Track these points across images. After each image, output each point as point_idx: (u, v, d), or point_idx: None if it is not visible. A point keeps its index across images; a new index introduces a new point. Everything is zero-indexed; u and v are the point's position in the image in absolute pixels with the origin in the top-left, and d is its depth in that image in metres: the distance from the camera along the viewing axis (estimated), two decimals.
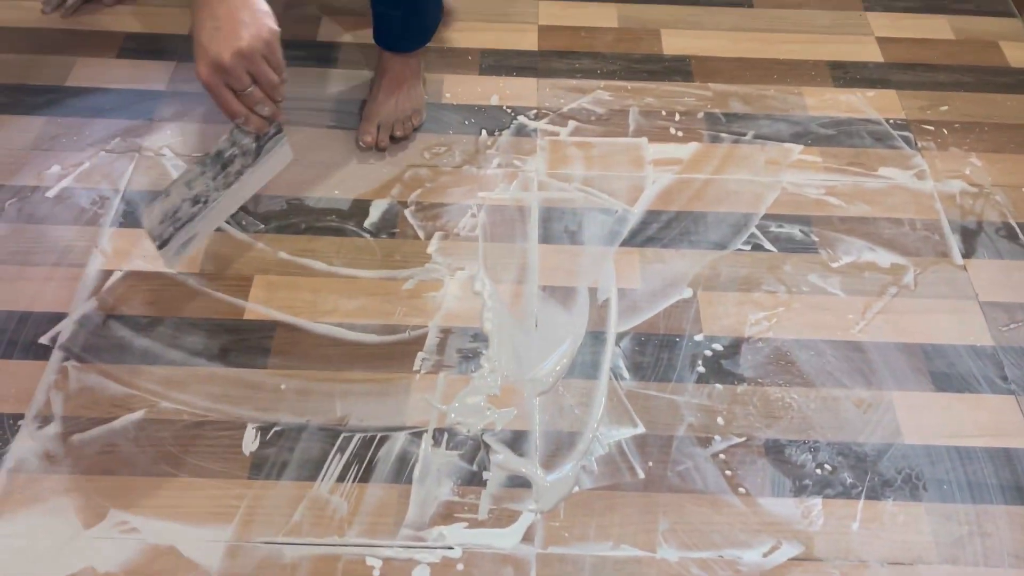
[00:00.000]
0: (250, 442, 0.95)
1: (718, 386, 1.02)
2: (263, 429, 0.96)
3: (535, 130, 1.30)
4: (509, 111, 1.32)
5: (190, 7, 0.82)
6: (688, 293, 1.11)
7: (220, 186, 0.95)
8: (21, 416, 0.95)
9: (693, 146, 1.29)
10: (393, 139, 1.25)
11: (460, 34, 1.45)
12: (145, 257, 1.10)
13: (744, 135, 1.31)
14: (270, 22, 0.83)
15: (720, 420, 0.99)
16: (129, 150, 1.23)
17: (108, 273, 1.09)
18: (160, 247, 0.96)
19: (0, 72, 1.32)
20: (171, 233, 0.95)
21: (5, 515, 0.88)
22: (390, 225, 1.17)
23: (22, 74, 1.30)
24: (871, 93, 1.38)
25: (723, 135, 1.31)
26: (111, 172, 1.20)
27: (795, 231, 1.19)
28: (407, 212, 1.19)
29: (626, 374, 1.03)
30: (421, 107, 1.29)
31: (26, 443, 0.93)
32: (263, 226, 1.15)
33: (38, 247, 1.11)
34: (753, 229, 1.19)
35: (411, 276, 1.11)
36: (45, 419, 0.95)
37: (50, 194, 1.17)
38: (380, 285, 1.10)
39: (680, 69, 1.41)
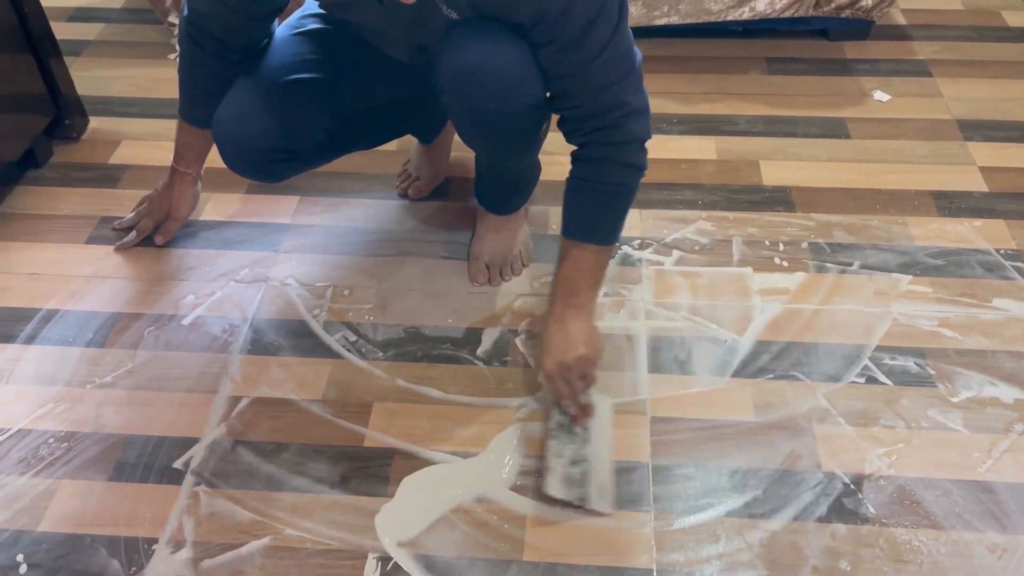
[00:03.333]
0: (371, 573, 0.96)
1: (841, 526, 1.00)
2: (383, 560, 0.97)
3: (640, 259, 1.33)
4: None
5: (545, 317, 1.10)
6: (803, 426, 1.10)
7: (582, 444, 1.06)
8: (156, 540, 0.99)
9: (799, 276, 1.30)
10: (503, 279, 1.31)
11: (562, 168, 1.51)
12: (270, 384, 1.16)
13: (850, 265, 1.31)
14: (602, 343, 1.09)
15: (845, 564, 0.96)
16: (257, 280, 1.31)
17: (237, 399, 1.14)
18: (588, 506, 1.01)
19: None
20: (585, 494, 1.01)
21: None
22: (502, 353, 1.20)
23: None
24: (978, 223, 1.37)
25: (829, 265, 1.32)
26: (240, 301, 1.27)
27: (910, 364, 1.17)
28: (518, 340, 1.22)
29: (743, 510, 1.01)
30: (527, 246, 1.35)
31: (159, 568, 0.97)
32: (382, 354, 1.20)
33: (173, 373, 1.17)
34: (866, 361, 1.18)
35: (523, 405, 1.14)
36: (177, 544, 0.99)
37: (185, 322, 1.24)
38: (494, 413, 1.13)
39: (781, 199, 1.44)
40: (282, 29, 1.18)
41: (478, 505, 1.02)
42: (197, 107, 1.22)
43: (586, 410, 1.07)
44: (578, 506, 1.01)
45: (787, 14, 1.74)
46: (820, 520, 1.00)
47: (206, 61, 1.16)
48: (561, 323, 1.07)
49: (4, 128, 1.41)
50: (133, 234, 1.36)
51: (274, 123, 1.12)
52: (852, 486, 1.04)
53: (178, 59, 1.21)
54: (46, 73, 1.49)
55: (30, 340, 1.22)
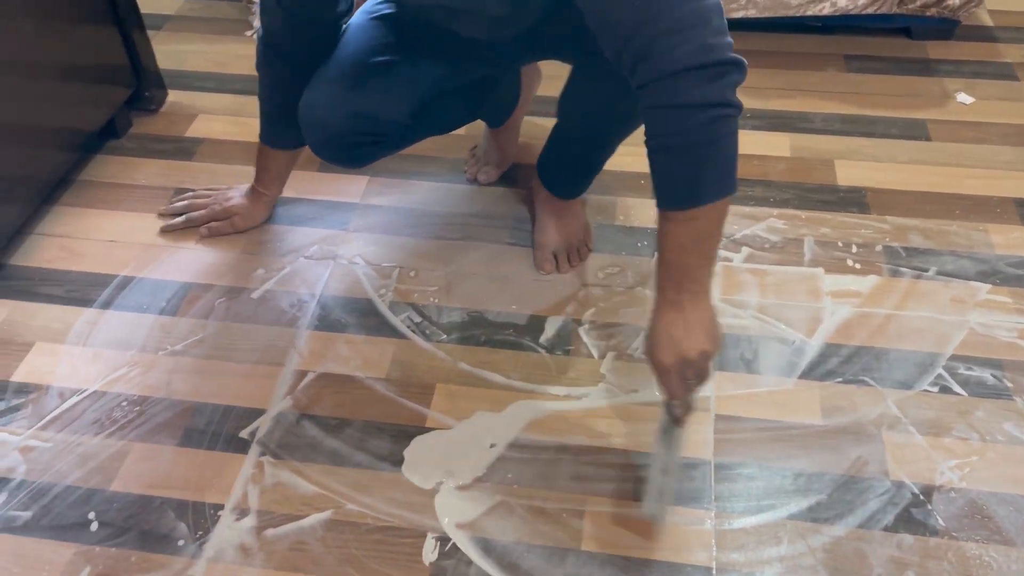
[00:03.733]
0: (429, 552, 0.97)
1: (908, 537, 0.97)
2: (442, 540, 0.98)
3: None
4: None
5: (655, 303, 0.92)
6: (872, 432, 1.07)
7: (673, 451, 0.98)
8: (221, 507, 1.01)
9: (872, 279, 1.27)
10: (571, 266, 1.30)
11: (633, 159, 1.49)
12: (336, 360, 1.17)
13: (926, 271, 1.28)
14: (722, 336, 0.95)
15: (912, 575, 0.94)
16: (326, 257, 1.32)
17: (303, 373, 1.16)
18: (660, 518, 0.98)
19: (218, 182, 1.46)
20: (665, 508, 0.98)
21: None
22: (565, 342, 1.20)
23: (237, 183, 1.43)
24: None
25: (904, 269, 1.28)
26: (309, 277, 1.29)
27: (986, 375, 1.14)
28: (581, 330, 1.21)
29: (806, 514, 0.99)
30: (589, 233, 1.34)
31: (224, 534, 0.99)
32: (445, 336, 1.21)
33: (242, 344, 1.20)
34: (940, 370, 1.14)
35: (585, 394, 1.13)
36: (242, 512, 1.01)
37: (255, 295, 1.27)
38: (554, 401, 1.12)
39: (856, 200, 1.40)
40: (358, 16, 1.19)
41: (537, 492, 1.02)
42: (278, 127, 1.25)
43: (691, 411, 0.96)
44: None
45: (869, 11, 1.69)
46: (887, 529, 0.98)
47: (285, 79, 1.18)
48: (679, 311, 0.90)
49: (88, 98, 1.45)
50: (183, 218, 1.37)
51: (361, 107, 1.13)
52: (921, 496, 1.01)
53: (258, 84, 1.23)
54: (129, 45, 1.52)
55: (106, 305, 1.25)
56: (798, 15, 1.70)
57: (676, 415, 0.94)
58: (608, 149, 1.25)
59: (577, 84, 1.17)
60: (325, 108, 1.13)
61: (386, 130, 1.17)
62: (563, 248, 1.30)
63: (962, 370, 1.14)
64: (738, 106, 0.84)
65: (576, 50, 1.12)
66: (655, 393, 1.11)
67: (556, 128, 1.26)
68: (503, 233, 1.37)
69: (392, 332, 1.21)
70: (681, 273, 0.90)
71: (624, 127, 1.19)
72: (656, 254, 0.96)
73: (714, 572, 0.95)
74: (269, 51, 1.17)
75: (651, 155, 0.88)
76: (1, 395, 1.13)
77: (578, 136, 1.23)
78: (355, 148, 1.17)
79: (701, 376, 0.92)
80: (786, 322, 1.21)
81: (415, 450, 1.06)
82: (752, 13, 1.70)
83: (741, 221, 1.37)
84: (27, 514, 1.01)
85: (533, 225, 1.34)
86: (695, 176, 0.86)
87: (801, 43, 1.78)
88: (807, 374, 1.15)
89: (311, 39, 1.15)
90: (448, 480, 1.03)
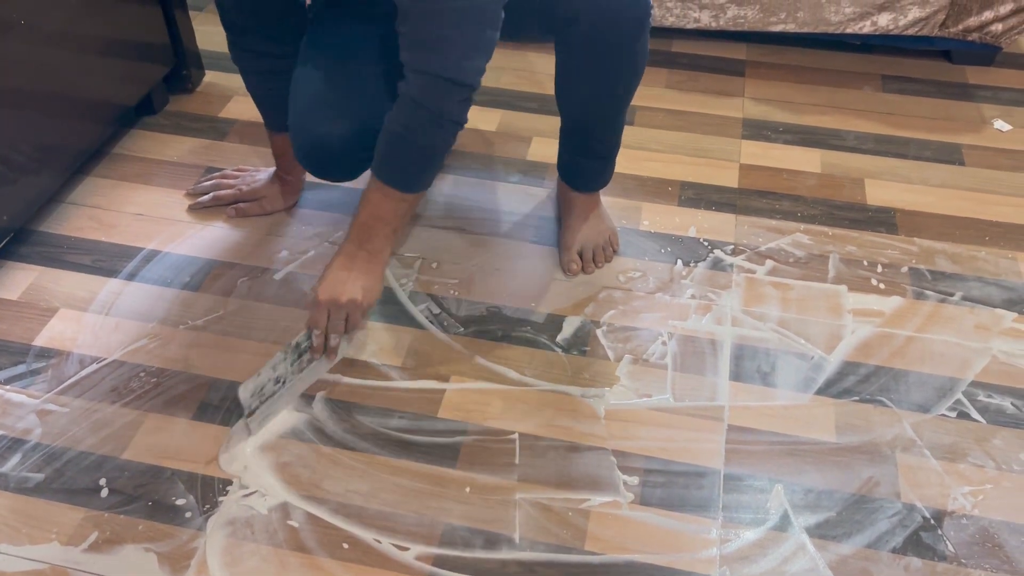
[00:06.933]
0: (433, 541, 0.97)
1: (916, 560, 0.96)
2: (448, 529, 0.98)
3: (731, 265, 1.31)
4: (706, 244, 1.34)
5: (338, 249, 1.11)
6: (886, 453, 1.06)
7: (295, 371, 1.10)
8: (230, 483, 1.02)
9: (896, 300, 1.26)
10: (596, 266, 1.30)
11: (661, 165, 1.49)
12: (353, 345, 1.18)
13: (952, 295, 1.26)
14: (378, 294, 1.12)
15: None
16: None
17: None
18: (247, 416, 1.06)
19: (248, 163, 1.48)
20: (257, 405, 1.06)
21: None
22: (581, 343, 1.20)
23: (267, 166, 1.45)
24: None
25: (929, 292, 1.27)
26: None
27: (1006, 403, 1.12)
28: (599, 332, 1.21)
29: (814, 530, 0.99)
30: (614, 232, 1.34)
31: (232, 509, 0.99)
32: (462, 329, 1.21)
33: (261, 324, 1.21)
34: (959, 395, 1.13)
35: (599, 396, 1.13)
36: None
37: (277, 276, 1.28)
38: (567, 400, 1.12)
39: (884, 220, 1.39)
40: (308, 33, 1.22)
41: (542, 490, 1.02)
42: (273, 113, 1.28)
43: (329, 351, 1.11)
44: (240, 416, 1.07)
45: (910, 32, 1.68)
46: (895, 551, 0.97)
47: (263, 65, 1.23)
48: (350, 261, 1.08)
49: (127, 74, 1.47)
50: (210, 196, 1.38)
51: (359, 120, 1.14)
52: (932, 521, 1.00)
53: (242, 79, 1.27)
54: (171, 25, 1.54)
55: (131, 277, 1.27)
56: (838, 32, 1.69)
57: (311, 344, 1.09)
58: (615, 124, 1.24)
59: (563, 69, 1.17)
60: (322, 128, 1.14)
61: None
62: (589, 248, 1.30)
63: (982, 397, 1.13)
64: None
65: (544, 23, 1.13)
66: (670, 400, 1.12)
67: (562, 123, 1.26)
68: (527, 231, 1.37)
69: (410, 321, 1.22)
70: (368, 235, 1.08)
71: (621, 96, 1.19)
72: (355, 212, 1.09)
73: None
74: (235, 40, 1.21)
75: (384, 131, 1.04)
76: (23, 358, 1.15)
77: (583, 122, 1.23)
78: (356, 161, 1.18)
79: (350, 322, 1.10)
80: (806, 337, 1.20)
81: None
82: (791, 28, 1.70)
83: (767, 234, 1.36)
84: (39, 476, 1.02)
85: (559, 226, 1.34)
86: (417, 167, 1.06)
87: (839, 61, 1.77)
88: (823, 391, 1.14)
89: (269, 15, 1.17)
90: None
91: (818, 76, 1.73)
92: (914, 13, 1.65)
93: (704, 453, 1.06)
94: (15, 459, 1.03)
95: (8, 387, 1.11)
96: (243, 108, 1.60)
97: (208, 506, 1.00)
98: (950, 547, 0.97)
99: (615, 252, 1.32)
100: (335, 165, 1.21)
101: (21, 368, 1.14)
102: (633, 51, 1.11)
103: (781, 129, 1.57)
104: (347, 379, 1.14)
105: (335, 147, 1.16)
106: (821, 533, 0.99)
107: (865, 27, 1.68)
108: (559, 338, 1.20)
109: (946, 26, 1.67)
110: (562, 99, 1.22)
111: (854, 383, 1.15)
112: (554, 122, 1.29)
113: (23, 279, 1.26)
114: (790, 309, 1.24)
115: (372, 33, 1.18)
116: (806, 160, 1.51)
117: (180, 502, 1.00)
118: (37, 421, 1.08)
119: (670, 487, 1.03)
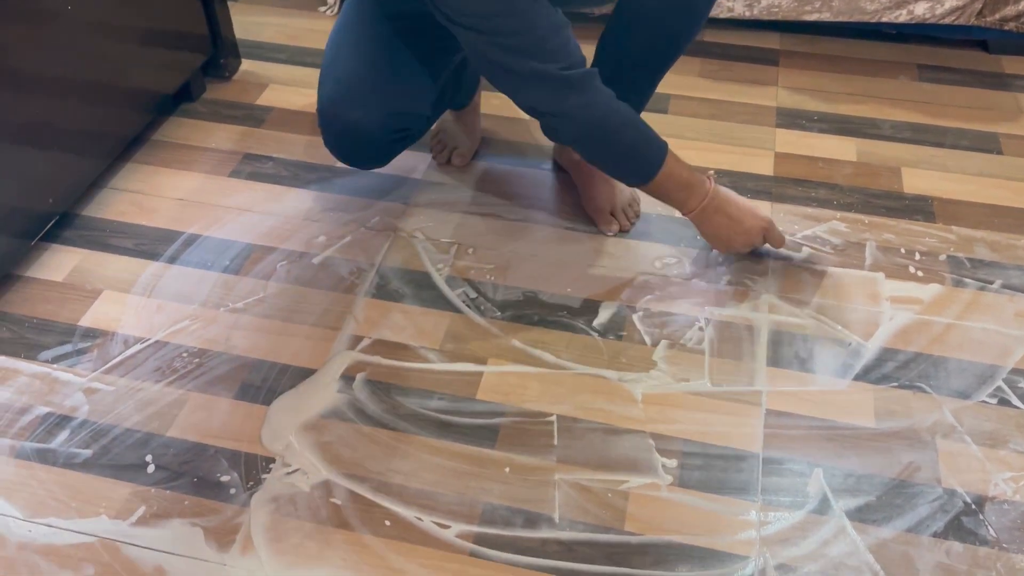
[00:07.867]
0: (474, 519, 0.98)
1: (957, 544, 0.96)
2: (487, 508, 0.99)
3: (768, 252, 1.30)
4: None
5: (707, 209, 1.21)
6: (926, 439, 1.06)
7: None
8: (273, 460, 1.04)
9: (934, 287, 1.25)
10: (630, 222, 1.34)
11: (696, 153, 1.49)
12: (391, 328, 1.19)
13: (991, 283, 1.26)
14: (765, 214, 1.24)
15: None
16: (386, 229, 1.34)
17: (358, 339, 1.18)
18: None
19: (285, 150, 1.49)
20: None
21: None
22: (618, 327, 1.20)
23: (304, 152, 1.46)
24: None
25: (968, 280, 1.26)
26: (369, 247, 1.31)
27: None
28: (635, 317, 1.22)
29: (854, 514, 0.98)
30: (633, 190, 1.36)
31: (275, 486, 1.01)
32: (499, 313, 1.22)
33: (301, 306, 1.22)
34: (1000, 382, 1.12)
35: (636, 380, 1.13)
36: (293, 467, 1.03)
37: (315, 260, 1.29)
38: (604, 384, 1.13)
39: (921, 209, 1.38)
40: (346, 16, 1.21)
41: (581, 471, 1.03)
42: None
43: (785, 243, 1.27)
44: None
45: (947, 21, 1.66)
46: (936, 535, 0.97)
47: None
48: (725, 206, 1.20)
49: (166, 62, 1.49)
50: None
51: (394, 105, 1.15)
52: (973, 506, 0.99)
53: None
54: (209, 14, 1.56)
55: (172, 260, 1.29)
56: (873, 21, 1.68)
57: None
58: (652, 83, 1.25)
59: (623, 14, 1.17)
60: (356, 112, 1.15)
61: (413, 124, 1.19)
62: (619, 204, 1.33)
63: (1023, 384, 1.12)
64: None
65: None
66: (708, 384, 1.12)
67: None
68: (562, 217, 1.37)
69: (447, 305, 1.23)
70: (690, 194, 1.19)
71: (675, 52, 1.20)
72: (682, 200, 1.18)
73: (754, 562, 0.94)
74: None
75: None
76: (69, 338, 1.17)
77: (621, 76, 1.18)
78: (388, 146, 1.19)
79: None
80: (843, 324, 1.20)
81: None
82: (827, 16, 1.69)
83: (803, 222, 1.36)
84: (87, 452, 1.04)
85: (581, 197, 1.36)
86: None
87: (874, 50, 1.76)
88: (862, 376, 1.13)
89: None
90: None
91: (853, 65, 1.72)
92: (951, 2, 1.64)
93: (742, 437, 1.07)
94: (63, 435, 1.06)
95: (55, 366, 1.13)
96: (280, 96, 1.61)
97: (252, 483, 1.01)
98: (992, 532, 0.97)
99: (639, 208, 1.37)
100: (366, 153, 1.21)
101: (67, 347, 1.16)
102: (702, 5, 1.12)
103: (816, 118, 1.57)
104: (387, 361, 1.15)
105: (368, 134, 1.16)
106: (861, 517, 0.98)
107: (901, 16, 1.67)
108: (595, 323, 1.21)
109: (983, 15, 1.66)
110: (608, 49, 1.20)
111: (893, 369, 1.14)
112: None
113: (68, 261, 1.28)
114: (827, 295, 1.24)
115: (411, 12, 1.16)
116: (841, 149, 1.51)
117: (224, 479, 1.01)
118: (84, 399, 1.10)
119: (709, 470, 1.03)
